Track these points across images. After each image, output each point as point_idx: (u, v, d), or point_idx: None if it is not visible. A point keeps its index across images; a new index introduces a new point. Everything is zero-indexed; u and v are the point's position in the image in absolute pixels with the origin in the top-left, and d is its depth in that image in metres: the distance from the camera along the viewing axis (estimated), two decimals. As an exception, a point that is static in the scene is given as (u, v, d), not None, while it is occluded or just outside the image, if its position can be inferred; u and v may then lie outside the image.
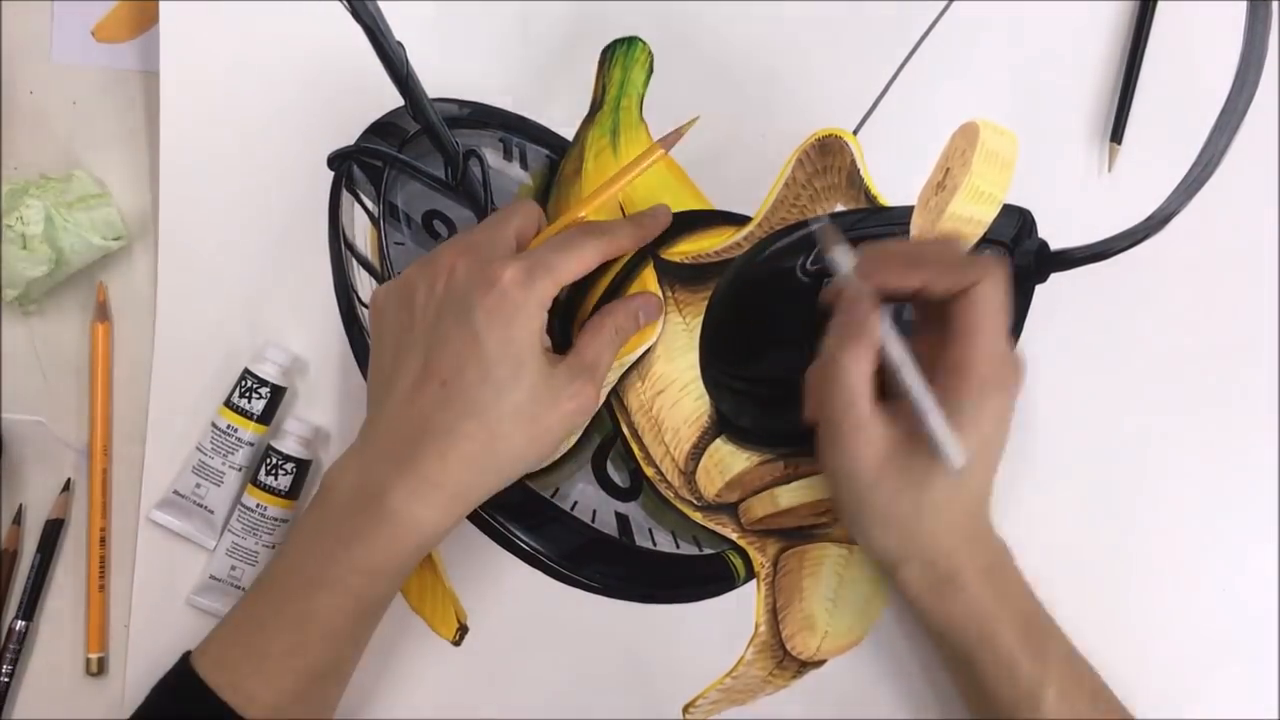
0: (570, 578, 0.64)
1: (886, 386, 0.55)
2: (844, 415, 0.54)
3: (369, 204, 0.65)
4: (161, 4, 0.64)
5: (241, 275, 0.65)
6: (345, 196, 0.65)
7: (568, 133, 0.65)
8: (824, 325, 0.57)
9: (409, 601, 0.64)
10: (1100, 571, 0.63)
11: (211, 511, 0.63)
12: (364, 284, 0.65)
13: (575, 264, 0.56)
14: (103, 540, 0.64)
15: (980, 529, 0.57)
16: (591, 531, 0.64)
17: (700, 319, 0.64)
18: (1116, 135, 0.63)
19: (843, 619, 0.63)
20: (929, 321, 0.57)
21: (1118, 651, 0.61)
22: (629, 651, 0.64)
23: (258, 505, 0.62)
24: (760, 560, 0.64)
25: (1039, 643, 0.56)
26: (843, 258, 0.56)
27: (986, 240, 0.62)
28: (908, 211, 0.62)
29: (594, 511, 0.64)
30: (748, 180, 0.64)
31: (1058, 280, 0.63)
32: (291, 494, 0.63)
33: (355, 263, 0.65)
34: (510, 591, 0.64)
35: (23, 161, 0.67)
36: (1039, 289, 0.63)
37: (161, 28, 0.65)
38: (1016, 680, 0.54)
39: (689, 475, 0.64)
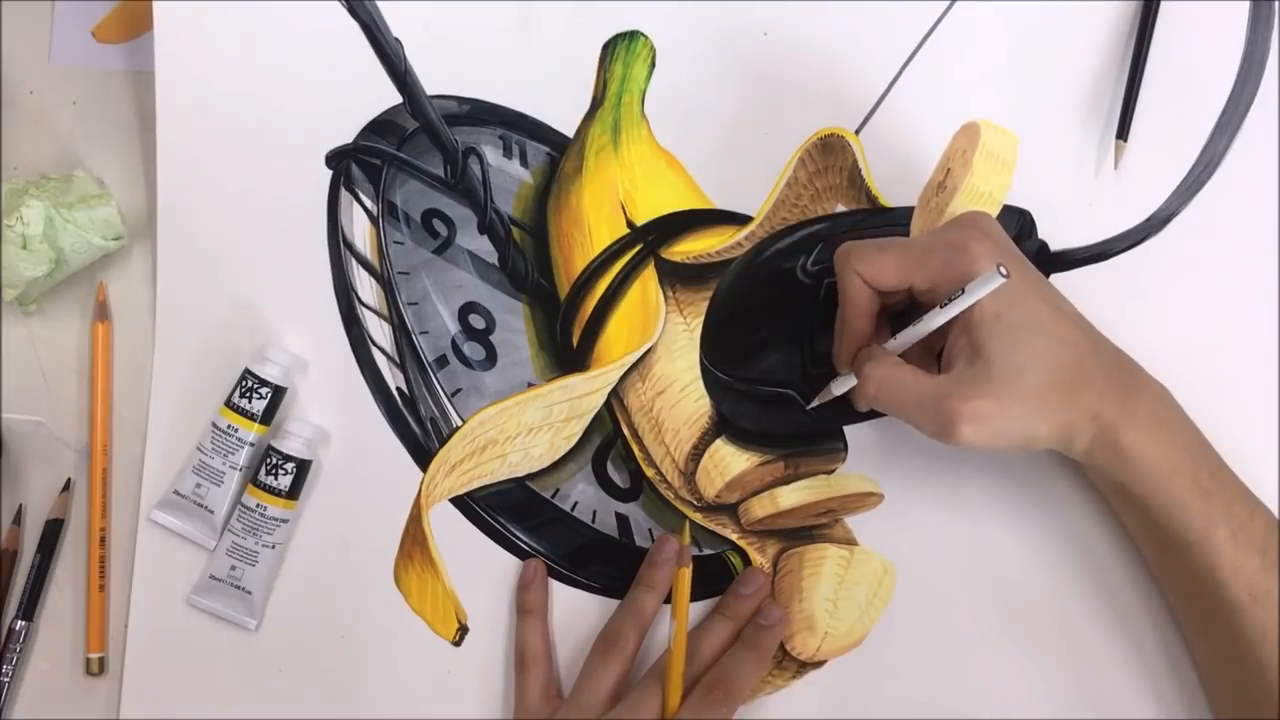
0: (570, 578, 0.64)
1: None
2: (930, 414, 0.54)
3: (368, 202, 0.65)
4: (155, 3, 0.64)
5: (241, 275, 0.65)
6: (344, 195, 0.65)
7: (568, 130, 0.65)
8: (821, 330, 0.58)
9: (409, 602, 0.64)
10: (1100, 570, 0.63)
11: (211, 511, 0.63)
12: (364, 283, 0.65)
13: None
14: (102, 540, 0.64)
15: (1101, 358, 0.56)
16: (592, 532, 0.64)
17: (701, 319, 0.64)
18: (1123, 133, 0.63)
19: (843, 620, 0.63)
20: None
21: (1118, 651, 0.62)
22: (629, 651, 0.64)
23: (258, 505, 0.62)
24: (760, 561, 0.64)
25: (1207, 482, 0.55)
26: (839, 382, 0.59)
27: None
28: (908, 212, 0.62)
29: (594, 512, 0.64)
30: (749, 179, 0.65)
31: (1058, 280, 0.63)
32: (292, 494, 0.63)
33: (355, 262, 0.65)
34: (510, 591, 0.64)
35: (23, 161, 0.67)
36: (1040, 289, 0.63)
37: (156, 26, 0.64)
38: (1189, 525, 0.55)
39: (689, 476, 0.64)
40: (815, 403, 0.61)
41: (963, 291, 0.52)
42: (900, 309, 0.59)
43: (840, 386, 0.59)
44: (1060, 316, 0.56)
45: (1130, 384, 0.56)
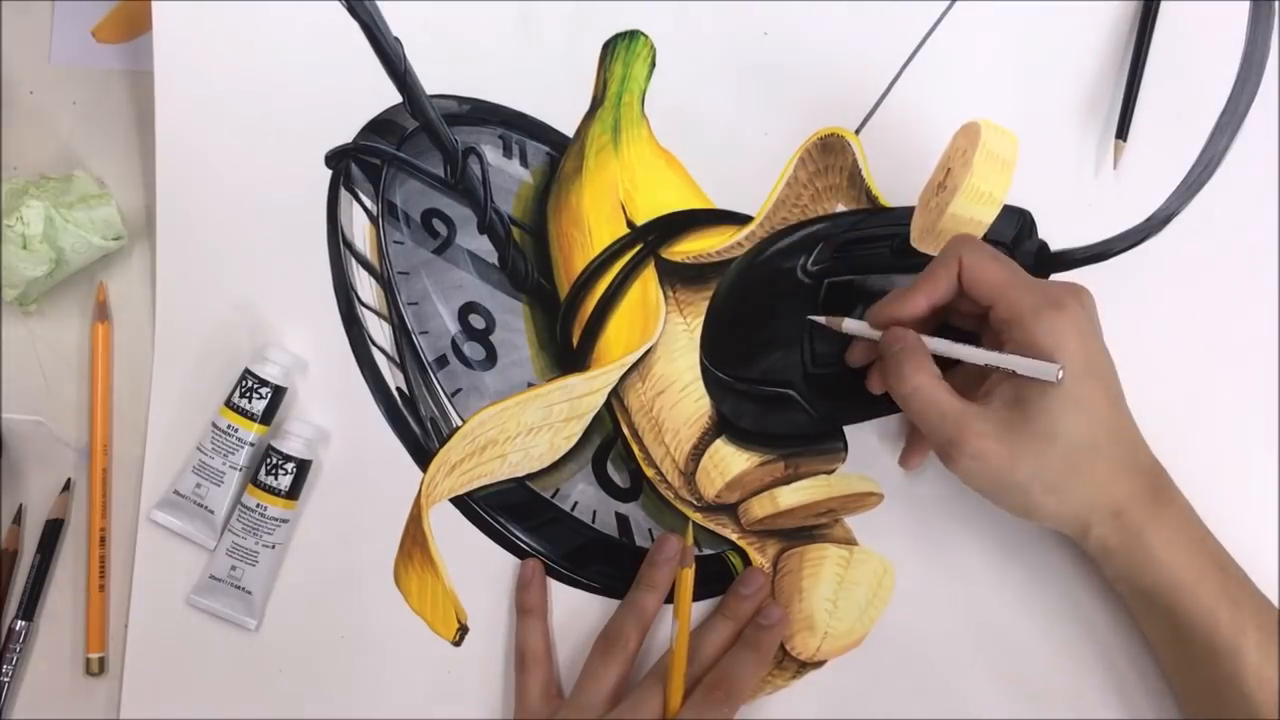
0: (570, 578, 0.64)
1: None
2: (943, 424, 0.54)
3: (368, 202, 0.65)
4: (154, 3, 0.64)
5: (241, 275, 0.65)
6: (344, 195, 0.65)
7: (568, 129, 0.65)
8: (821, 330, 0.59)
9: (409, 602, 0.64)
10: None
11: (212, 511, 0.63)
12: (363, 283, 0.65)
13: None
14: (102, 540, 0.64)
15: (1139, 461, 0.56)
16: (592, 532, 0.64)
17: (701, 319, 0.64)
18: (1122, 133, 0.63)
19: (842, 620, 0.63)
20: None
21: (1117, 650, 0.61)
22: (629, 651, 0.64)
23: (258, 505, 0.62)
24: (760, 561, 0.64)
25: (1234, 590, 0.56)
26: (853, 325, 0.59)
27: (987, 241, 0.62)
28: (908, 212, 0.62)
29: (594, 512, 0.64)
30: (749, 179, 0.65)
31: (1057, 280, 0.63)
32: (292, 494, 0.63)
33: (354, 262, 0.65)
34: (510, 591, 0.64)
35: (23, 161, 0.67)
36: (1040, 289, 0.63)
37: (154, 26, 0.64)
38: (1218, 633, 0.55)
39: (689, 476, 0.64)
40: (821, 319, 0.61)
41: (1019, 355, 0.53)
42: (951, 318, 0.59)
43: (851, 327, 0.59)
44: (1116, 412, 0.56)
45: (1164, 491, 0.57)
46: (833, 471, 0.63)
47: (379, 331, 0.65)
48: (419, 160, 0.65)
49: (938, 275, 0.56)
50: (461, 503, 0.64)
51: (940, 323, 0.59)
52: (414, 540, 0.64)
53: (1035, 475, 0.54)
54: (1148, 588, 0.56)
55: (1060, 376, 0.52)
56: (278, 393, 0.63)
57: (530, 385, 0.65)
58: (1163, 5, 0.64)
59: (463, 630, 0.64)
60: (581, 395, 0.64)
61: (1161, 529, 0.55)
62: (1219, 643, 0.55)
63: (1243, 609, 0.55)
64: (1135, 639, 0.61)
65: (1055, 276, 0.63)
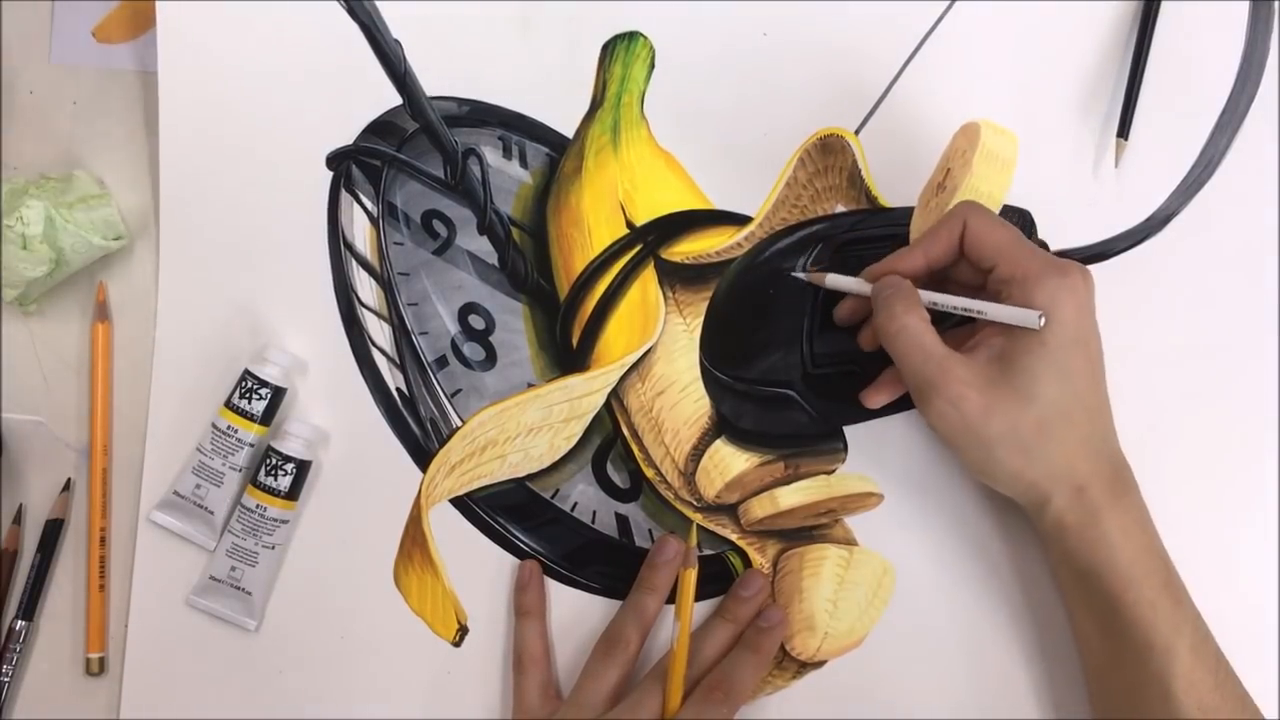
0: (570, 578, 0.64)
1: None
2: (925, 365, 0.55)
3: (368, 204, 0.65)
4: (158, 4, 0.64)
5: (241, 275, 0.65)
6: (344, 196, 0.65)
7: (568, 130, 0.65)
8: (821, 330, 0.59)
9: (409, 603, 0.64)
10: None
11: (211, 512, 0.63)
12: (363, 284, 0.65)
13: None
14: (102, 540, 0.64)
15: (1108, 447, 0.57)
16: (591, 532, 0.64)
17: (701, 320, 0.64)
18: (1123, 131, 0.63)
19: (843, 620, 0.63)
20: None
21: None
22: (629, 652, 0.64)
23: (258, 506, 0.62)
24: (760, 561, 0.64)
25: (1177, 591, 0.56)
26: (839, 280, 0.59)
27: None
28: (908, 212, 0.62)
29: (594, 512, 0.64)
30: (749, 180, 0.65)
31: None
32: (291, 495, 0.63)
33: (355, 263, 0.65)
34: (510, 592, 0.64)
35: (23, 161, 0.67)
36: (1039, 289, 0.63)
37: (159, 28, 0.64)
38: (1156, 625, 0.54)
39: (689, 476, 0.64)
40: (803, 275, 0.61)
41: (1011, 306, 0.54)
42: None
43: (835, 282, 0.59)
44: (1095, 389, 0.56)
45: (1126, 481, 0.57)
46: (833, 472, 0.63)
47: (379, 332, 0.65)
48: (419, 161, 0.65)
49: (939, 234, 0.57)
50: (461, 503, 0.64)
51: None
52: (414, 541, 0.64)
53: (1007, 432, 0.54)
54: (1094, 572, 0.55)
55: (1041, 322, 0.52)
56: (277, 393, 0.63)
57: (530, 386, 0.65)
58: (1163, 5, 0.63)
59: (462, 631, 0.64)
60: (581, 396, 0.64)
61: (1119, 515, 0.55)
62: (1155, 639, 0.54)
63: (1182, 610, 0.55)
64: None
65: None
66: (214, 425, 0.63)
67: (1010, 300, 0.54)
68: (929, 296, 0.56)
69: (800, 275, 0.61)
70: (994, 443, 0.55)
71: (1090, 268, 0.63)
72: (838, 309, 0.61)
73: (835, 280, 0.60)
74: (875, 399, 0.61)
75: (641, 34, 0.65)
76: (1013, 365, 0.54)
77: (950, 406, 0.54)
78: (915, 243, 0.58)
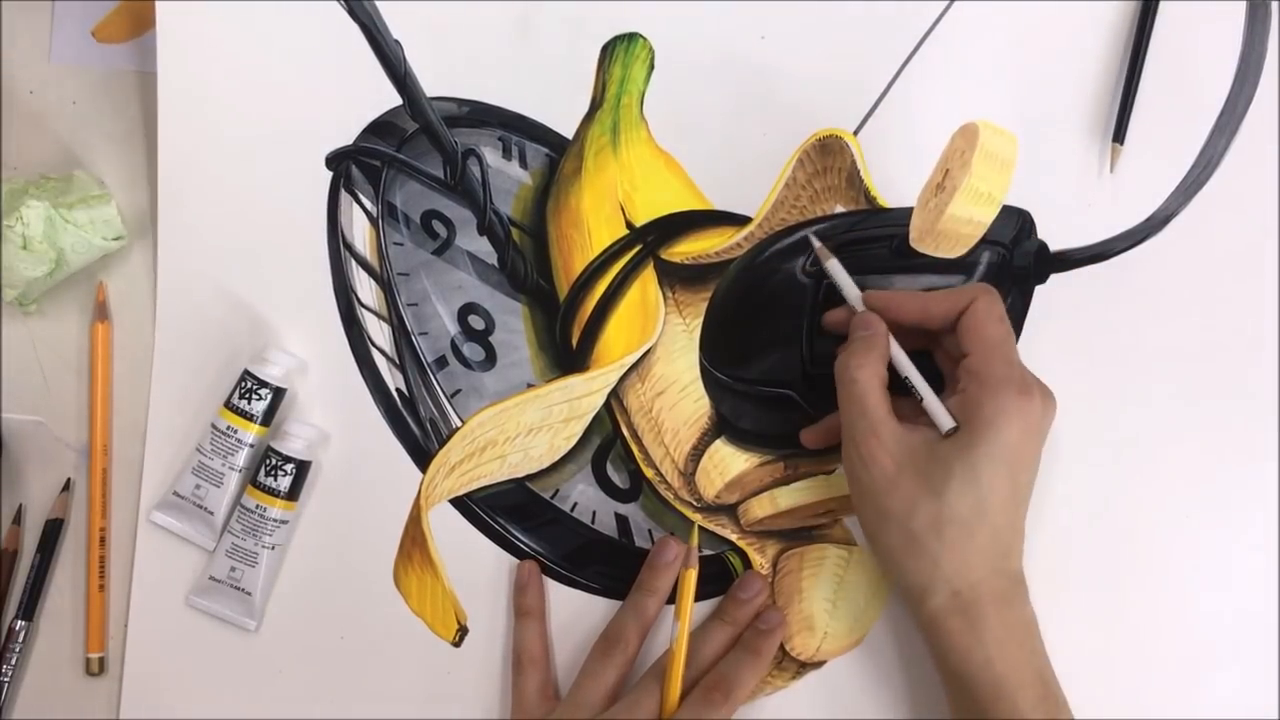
0: (570, 579, 0.64)
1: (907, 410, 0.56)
2: (859, 418, 0.55)
3: (368, 204, 0.65)
4: (158, 4, 0.64)
5: (241, 275, 0.65)
6: (344, 196, 0.65)
7: (567, 131, 0.65)
8: (820, 330, 0.59)
9: (409, 603, 0.64)
10: (1100, 570, 0.63)
11: (211, 513, 0.63)
12: (363, 284, 0.65)
13: None
14: (102, 540, 0.65)
15: (1006, 564, 0.55)
16: (591, 533, 0.64)
17: (700, 320, 0.64)
18: (1119, 135, 0.63)
19: (842, 620, 0.63)
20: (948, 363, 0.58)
21: (1118, 651, 0.62)
22: (628, 652, 0.64)
23: (257, 506, 0.62)
24: (759, 561, 0.64)
25: (1052, 707, 0.55)
26: (847, 285, 0.59)
27: (986, 241, 0.62)
28: (907, 213, 0.62)
29: (594, 513, 0.65)
30: (748, 180, 0.64)
31: (1057, 281, 0.63)
32: (291, 495, 0.63)
33: (354, 263, 0.65)
34: (510, 592, 0.64)
35: (23, 161, 0.67)
36: (1038, 290, 0.63)
37: (158, 28, 0.64)
38: None
39: (689, 476, 0.64)
40: (817, 241, 0.61)
41: (937, 397, 0.55)
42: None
43: (835, 271, 0.60)
44: (1008, 514, 0.55)
45: (1014, 600, 0.56)
46: (832, 472, 0.63)
47: (378, 332, 0.65)
48: (419, 162, 0.65)
49: (947, 299, 0.57)
50: (461, 503, 0.64)
51: (920, 348, 0.59)
52: (414, 541, 0.64)
53: (902, 514, 0.54)
54: (967, 676, 0.55)
55: (947, 433, 0.54)
56: (277, 394, 0.63)
57: (530, 386, 0.65)
58: (1161, 5, 0.63)
59: (462, 631, 0.64)
60: (581, 396, 0.64)
61: (998, 627, 0.54)
62: None
63: None
64: (1129, 635, 0.61)
65: (1055, 277, 0.63)
66: (214, 425, 0.63)
67: (965, 395, 0.54)
68: (896, 355, 0.57)
69: (815, 241, 0.61)
70: (889, 518, 0.55)
71: (1089, 268, 0.63)
72: (827, 316, 0.61)
73: (836, 269, 0.60)
74: (813, 440, 0.61)
75: (641, 35, 0.65)
76: (935, 456, 0.54)
77: (862, 467, 0.55)
78: (922, 294, 0.58)
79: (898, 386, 0.57)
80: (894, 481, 0.54)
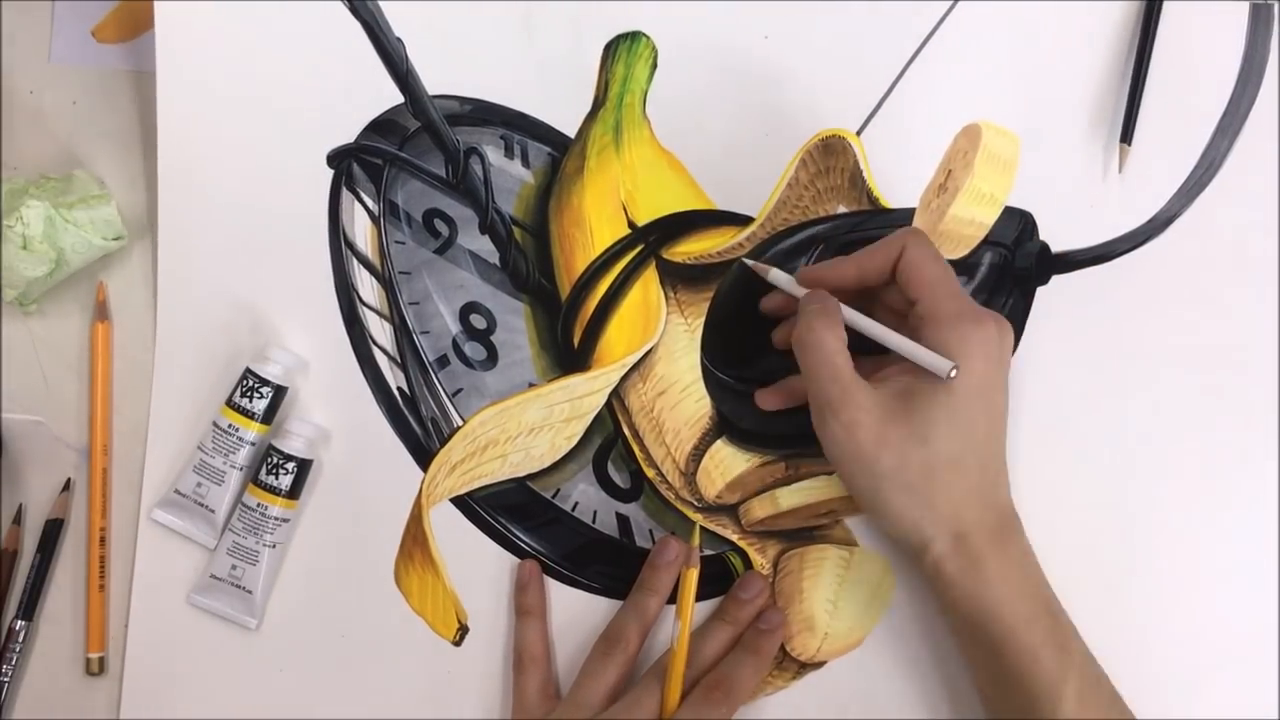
0: (571, 578, 0.64)
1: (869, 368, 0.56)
2: (830, 385, 0.54)
3: (369, 202, 0.65)
4: (157, 4, 0.64)
5: (242, 274, 0.65)
6: (345, 195, 0.65)
7: (570, 130, 0.65)
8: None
9: (409, 602, 0.64)
10: (1101, 571, 0.63)
11: (212, 511, 0.63)
12: (365, 283, 0.65)
13: None
14: (102, 540, 0.64)
15: (996, 497, 0.56)
16: (592, 532, 0.64)
17: (702, 320, 0.64)
18: (1126, 136, 0.63)
19: (843, 621, 0.63)
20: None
21: (1118, 651, 0.61)
22: (629, 652, 0.64)
23: (259, 505, 0.62)
24: (760, 562, 0.64)
25: (1063, 637, 0.56)
26: (780, 276, 0.59)
27: (988, 242, 0.62)
28: (909, 214, 0.63)
29: (595, 512, 0.64)
30: (751, 180, 0.65)
31: (1059, 282, 0.63)
32: (292, 493, 0.63)
33: (356, 261, 0.65)
34: (510, 592, 0.64)
35: (23, 161, 0.67)
36: (1040, 291, 0.63)
37: (157, 25, 0.64)
38: (1039, 674, 0.54)
39: (690, 476, 0.64)
40: (750, 262, 0.61)
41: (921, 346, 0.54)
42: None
43: (778, 278, 0.59)
44: (989, 442, 0.56)
45: (1010, 531, 0.56)
46: (833, 472, 0.63)
47: (380, 331, 0.65)
48: (421, 160, 0.65)
49: (876, 253, 0.57)
50: (462, 503, 0.64)
51: (863, 310, 0.59)
52: (414, 540, 0.64)
53: (895, 469, 0.54)
54: (976, 620, 0.55)
55: (952, 375, 0.52)
56: (279, 392, 0.63)
57: (531, 385, 0.65)
58: (1164, 6, 0.64)
59: (463, 630, 0.64)
60: (582, 395, 0.64)
61: (1000, 562, 0.55)
62: (1039, 687, 0.54)
63: (1068, 657, 0.55)
64: (1130, 636, 0.61)
65: (1057, 278, 0.63)
66: (215, 424, 0.63)
67: (923, 339, 0.54)
68: (852, 317, 0.56)
69: (747, 262, 0.61)
70: (881, 477, 0.54)
71: (1092, 269, 0.63)
72: (764, 301, 0.61)
73: (777, 276, 0.60)
74: (769, 401, 0.61)
75: (644, 34, 0.65)
76: (913, 405, 0.54)
77: (845, 432, 0.54)
78: (853, 256, 0.57)
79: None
80: (881, 439, 0.54)
